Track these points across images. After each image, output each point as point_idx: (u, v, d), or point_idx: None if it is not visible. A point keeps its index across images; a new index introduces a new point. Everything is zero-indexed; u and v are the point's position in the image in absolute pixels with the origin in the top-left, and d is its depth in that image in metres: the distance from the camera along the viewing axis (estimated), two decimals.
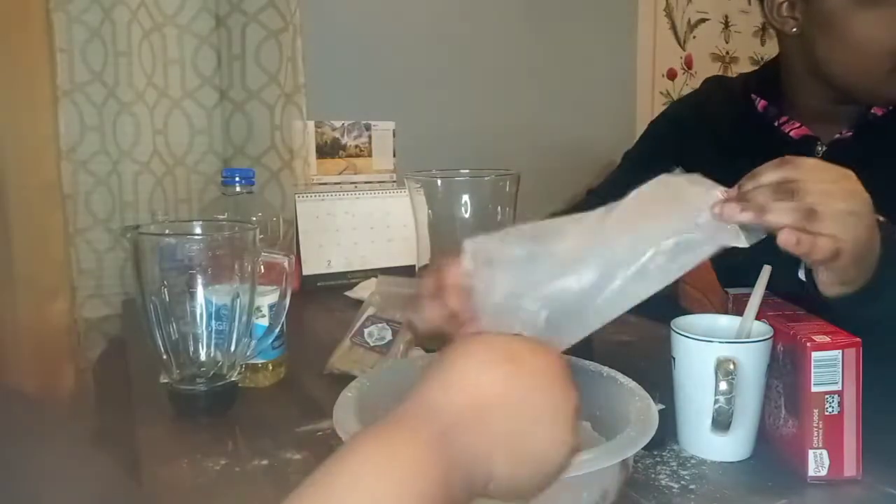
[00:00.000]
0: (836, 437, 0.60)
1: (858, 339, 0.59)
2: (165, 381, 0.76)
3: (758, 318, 0.67)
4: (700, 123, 1.01)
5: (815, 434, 0.60)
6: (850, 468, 0.60)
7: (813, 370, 0.59)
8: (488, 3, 1.72)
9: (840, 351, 0.59)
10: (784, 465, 0.63)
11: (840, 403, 0.59)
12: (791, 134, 0.88)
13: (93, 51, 1.26)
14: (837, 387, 0.59)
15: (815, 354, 0.59)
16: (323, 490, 0.32)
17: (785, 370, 0.63)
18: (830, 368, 0.59)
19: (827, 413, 0.59)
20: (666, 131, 1.13)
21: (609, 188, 1.15)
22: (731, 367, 0.61)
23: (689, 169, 0.93)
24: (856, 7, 0.75)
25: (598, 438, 0.60)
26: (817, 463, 0.60)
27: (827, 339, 0.59)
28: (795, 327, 0.63)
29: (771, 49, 2.13)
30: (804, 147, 0.86)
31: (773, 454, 0.65)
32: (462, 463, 0.34)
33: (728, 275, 0.88)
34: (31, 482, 0.68)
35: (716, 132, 0.97)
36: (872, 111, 0.84)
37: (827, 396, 0.59)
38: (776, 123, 0.90)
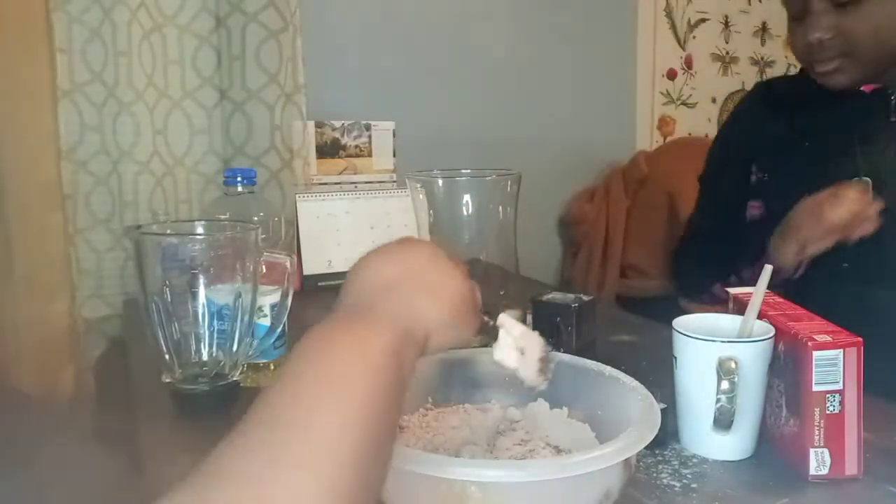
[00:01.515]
0: (837, 436, 0.60)
1: (860, 339, 0.59)
2: (167, 380, 0.76)
3: (759, 317, 0.67)
4: (767, 112, 1.08)
5: (817, 433, 0.60)
6: (851, 467, 0.60)
7: (814, 369, 0.59)
8: (488, 3, 1.72)
9: (841, 350, 0.59)
10: (786, 465, 0.63)
11: (841, 402, 0.59)
12: (863, 89, 0.97)
13: (93, 51, 1.26)
14: (838, 386, 0.59)
15: (816, 354, 0.59)
16: (295, 369, 0.39)
17: (786, 369, 0.63)
18: (831, 368, 0.59)
19: (828, 412, 0.59)
20: (732, 138, 1.17)
21: (710, 213, 1.19)
22: (733, 366, 0.61)
23: (768, 155, 1.02)
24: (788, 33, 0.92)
25: (598, 439, 0.60)
26: (818, 462, 0.60)
27: (828, 338, 0.60)
28: (796, 326, 0.63)
29: (771, 49, 2.13)
30: (877, 99, 0.96)
31: (775, 453, 0.65)
32: (401, 323, 0.44)
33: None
34: (33, 482, 0.68)
35: (786, 112, 1.05)
36: None
37: (828, 396, 0.59)
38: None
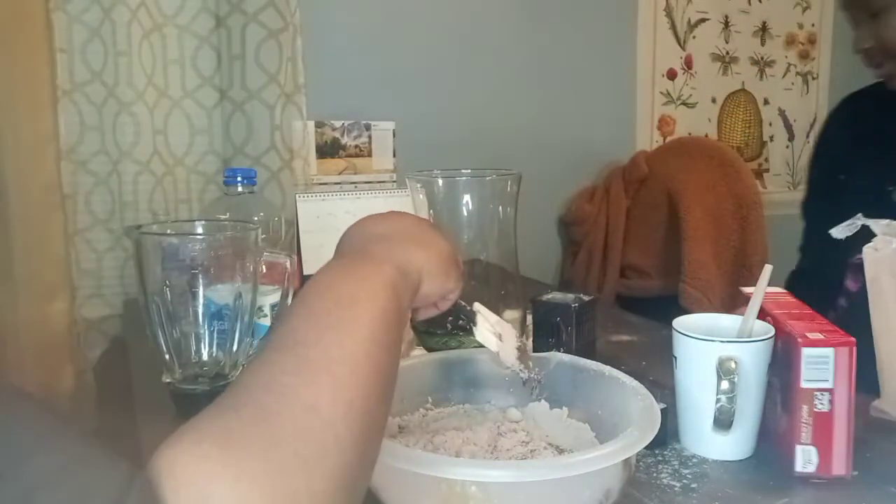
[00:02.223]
0: (825, 434, 0.59)
1: (853, 339, 0.59)
2: (167, 380, 0.76)
3: (762, 316, 0.67)
4: (854, 127, 1.12)
5: (804, 430, 0.59)
6: (838, 467, 0.60)
7: (803, 366, 0.59)
8: (488, 3, 1.72)
9: (832, 349, 0.59)
10: (777, 461, 0.63)
11: (831, 401, 0.59)
12: None
13: (93, 51, 1.26)
14: (828, 384, 0.59)
15: (805, 350, 0.59)
16: (305, 300, 0.42)
17: (782, 366, 0.63)
18: (821, 366, 0.59)
19: (816, 409, 0.59)
20: (826, 158, 1.19)
21: (810, 250, 1.20)
22: (733, 366, 0.61)
23: (864, 167, 1.03)
24: None
25: (598, 439, 0.60)
26: (805, 459, 0.60)
27: (820, 336, 0.60)
28: (794, 325, 0.63)
29: (771, 49, 2.13)
30: None
31: (771, 451, 0.65)
32: (397, 264, 0.48)
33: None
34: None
35: (874, 122, 1.07)
36: None
37: (817, 393, 0.59)
38: None
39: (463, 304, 0.60)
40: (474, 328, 0.61)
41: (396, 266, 0.47)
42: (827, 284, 1.05)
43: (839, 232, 0.70)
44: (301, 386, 0.36)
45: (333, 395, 0.36)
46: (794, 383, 0.60)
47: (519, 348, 0.61)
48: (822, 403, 0.59)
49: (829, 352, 0.59)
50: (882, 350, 0.70)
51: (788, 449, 0.61)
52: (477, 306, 0.62)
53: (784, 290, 0.73)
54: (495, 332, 0.61)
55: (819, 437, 0.59)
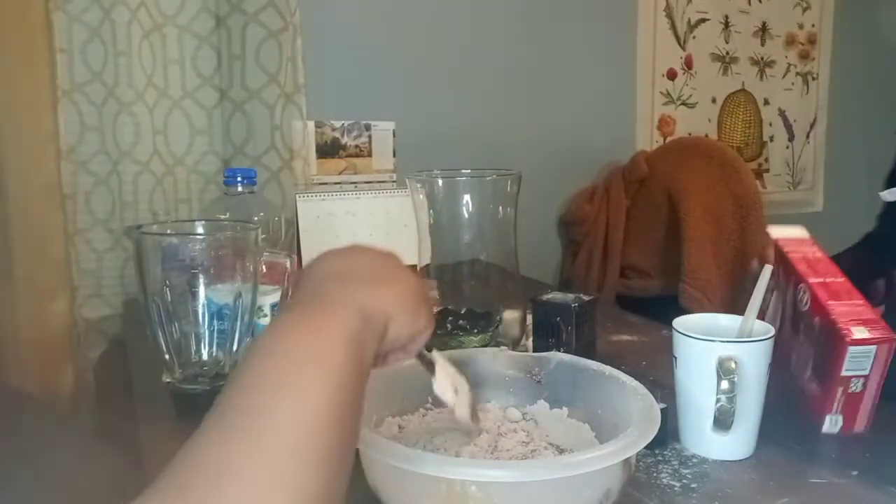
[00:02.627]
0: (853, 407, 0.65)
1: (894, 336, 0.62)
2: (167, 380, 0.76)
3: (793, 276, 0.69)
4: None
5: (836, 405, 0.64)
6: (859, 426, 0.65)
7: (846, 360, 0.62)
8: (488, 3, 1.72)
9: (875, 346, 0.62)
10: (796, 415, 0.67)
11: (864, 384, 0.63)
12: None
13: (93, 51, 1.26)
14: (865, 372, 0.63)
15: (851, 349, 0.62)
16: (258, 360, 0.38)
17: (818, 340, 0.66)
18: (863, 358, 0.62)
19: (850, 391, 0.64)
20: None
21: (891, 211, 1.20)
22: (733, 366, 0.61)
23: None
24: None
25: (598, 439, 0.60)
26: (831, 424, 0.66)
27: (866, 332, 0.62)
28: (836, 309, 0.65)
29: (771, 49, 2.13)
30: None
31: (788, 401, 0.69)
32: (359, 308, 0.43)
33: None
34: (32, 482, 0.68)
35: None
36: None
37: (853, 379, 0.63)
38: None
39: (423, 350, 0.55)
40: (433, 378, 0.57)
41: (358, 310, 0.42)
42: (891, 252, 1.08)
43: (890, 195, 0.74)
44: (249, 468, 0.33)
45: (286, 477, 0.33)
46: (835, 369, 0.63)
47: (472, 404, 0.59)
48: (856, 386, 0.63)
49: (872, 349, 0.62)
50: None
51: (817, 413, 0.65)
52: (436, 355, 0.58)
53: (809, 239, 0.77)
54: (452, 384, 0.57)
55: (848, 408, 0.65)
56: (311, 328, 0.40)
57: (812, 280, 0.68)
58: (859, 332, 0.62)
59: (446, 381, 0.57)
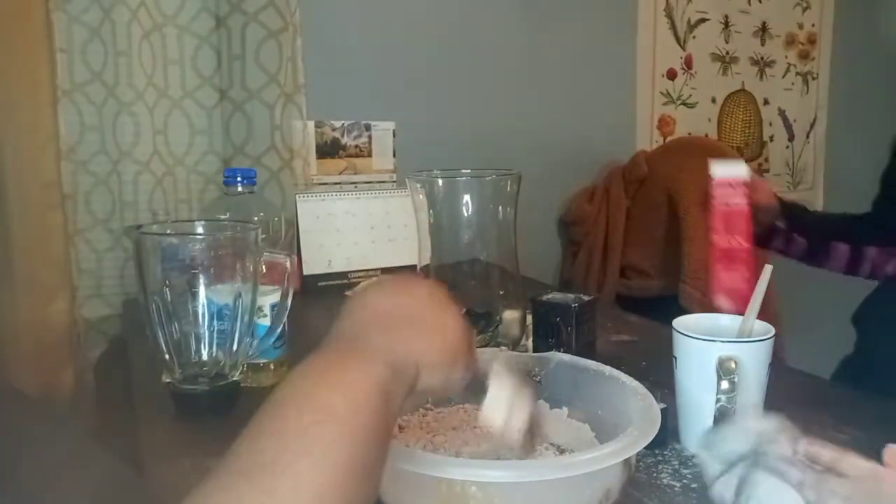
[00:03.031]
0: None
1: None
2: (167, 380, 0.76)
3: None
4: None
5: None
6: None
7: None
8: (488, 3, 1.72)
9: None
10: None
11: None
12: None
13: (93, 51, 1.26)
14: None
15: None
16: (281, 411, 0.38)
17: None
18: None
19: None
20: None
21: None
22: (733, 366, 0.61)
23: None
24: None
25: (598, 439, 0.60)
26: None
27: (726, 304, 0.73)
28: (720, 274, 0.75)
29: (771, 49, 2.13)
30: None
31: None
32: (392, 359, 0.43)
33: None
34: (33, 483, 0.68)
35: None
36: None
37: None
38: None
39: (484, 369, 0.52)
40: (483, 404, 0.52)
41: (391, 363, 0.42)
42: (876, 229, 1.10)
43: None
44: None
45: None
46: None
47: (530, 423, 0.53)
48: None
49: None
50: None
51: None
52: (495, 371, 0.53)
53: (744, 181, 0.85)
54: (508, 405, 0.52)
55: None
56: (343, 381, 0.40)
57: (718, 238, 0.75)
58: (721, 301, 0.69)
59: (498, 406, 0.52)
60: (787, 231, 1.06)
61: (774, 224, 1.04)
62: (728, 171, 0.83)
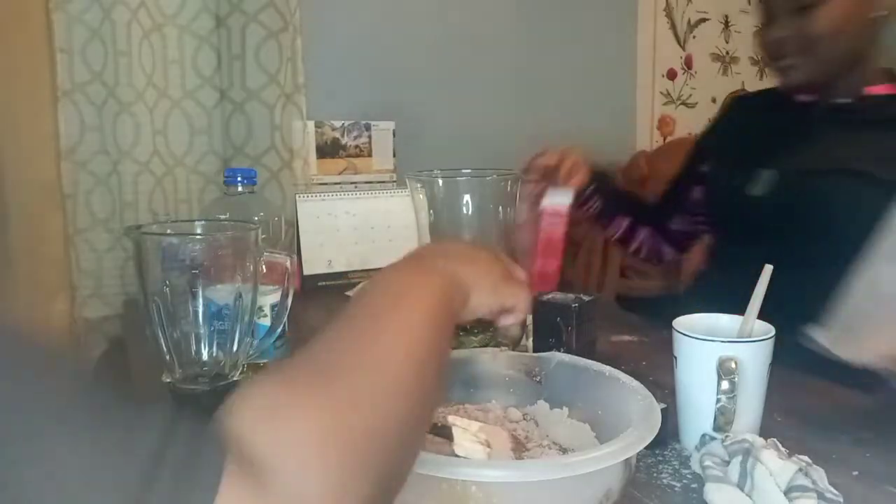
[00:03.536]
0: None
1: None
2: (167, 380, 0.76)
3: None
4: (734, 118, 1.22)
5: None
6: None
7: None
8: (488, 3, 1.72)
9: None
10: None
11: None
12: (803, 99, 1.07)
13: (93, 51, 1.26)
14: None
15: None
16: (372, 304, 0.46)
17: None
18: None
19: None
20: (699, 148, 1.27)
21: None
22: (733, 366, 0.61)
23: (726, 163, 1.16)
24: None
25: (598, 439, 0.60)
26: None
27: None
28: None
29: None
30: (814, 108, 1.06)
31: None
32: (450, 274, 0.53)
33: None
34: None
35: (749, 119, 1.17)
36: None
37: None
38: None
39: (435, 422, 0.57)
40: (454, 445, 0.56)
41: (449, 274, 0.53)
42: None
43: None
44: (365, 343, 0.40)
45: (395, 354, 0.41)
46: None
47: (513, 449, 0.58)
48: None
49: None
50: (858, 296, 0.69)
51: None
52: (452, 419, 0.59)
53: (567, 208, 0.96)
54: (480, 441, 0.57)
55: None
56: (416, 280, 0.50)
57: (538, 260, 0.85)
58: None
59: (470, 442, 0.56)
60: (591, 194, 1.17)
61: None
62: (555, 201, 0.95)
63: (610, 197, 1.19)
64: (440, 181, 0.87)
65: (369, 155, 1.56)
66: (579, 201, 1.12)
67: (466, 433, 0.57)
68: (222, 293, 0.74)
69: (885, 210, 0.70)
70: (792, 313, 0.67)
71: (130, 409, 0.32)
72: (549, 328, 0.84)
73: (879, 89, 1.03)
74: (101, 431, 0.30)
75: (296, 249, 1.32)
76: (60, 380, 0.32)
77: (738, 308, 0.68)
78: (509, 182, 0.86)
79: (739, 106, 1.25)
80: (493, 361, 0.68)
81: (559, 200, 0.96)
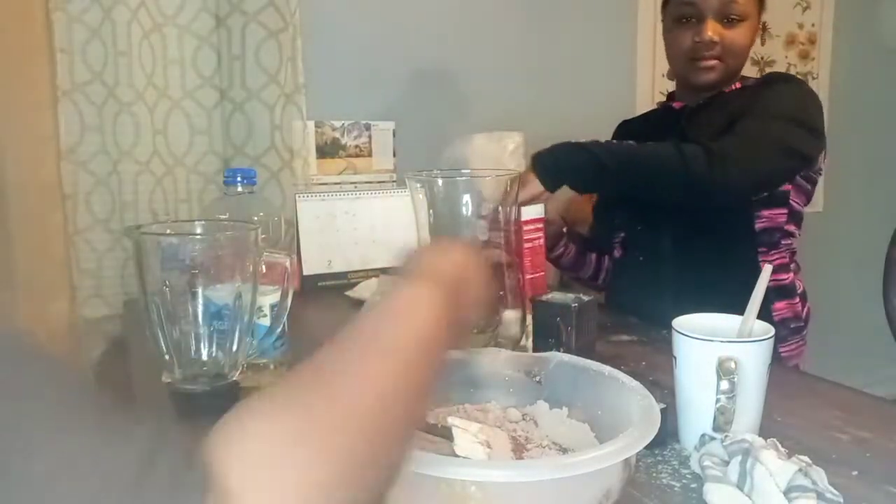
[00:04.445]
0: None
1: None
2: (167, 380, 0.76)
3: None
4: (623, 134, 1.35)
5: None
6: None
7: None
8: (488, 3, 1.72)
9: None
10: None
11: None
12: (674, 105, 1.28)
13: (93, 51, 1.26)
14: None
15: None
16: (374, 318, 0.47)
17: None
18: None
19: None
20: None
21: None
22: (733, 366, 0.61)
23: None
24: (665, 32, 1.27)
25: (598, 439, 0.60)
26: None
27: None
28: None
29: (770, 49, 2.13)
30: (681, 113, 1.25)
31: None
32: (456, 298, 0.51)
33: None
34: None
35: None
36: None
37: None
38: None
39: (435, 423, 0.58)
40: (454, 445, 0.56)
41: (445, 288, 0.51)
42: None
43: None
44: (357, 363, 0.41)
45: (386, 378, 0.41)
46: None
47: (513, 449, 0.58)
48: None
49: None
50: None
51: None
52: (452, 419, 0.59)
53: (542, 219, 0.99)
54: (481, 441, 0.57)
55: None
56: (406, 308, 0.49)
57: (527, 275, 0.90)
58: None
59: (470, 443, 0.56)
60: (567, 240, 1.29)
61: (560, 232, 1.26)
62: (531, 213, 0.99)
63: (578, 240, 1.31)
64: (440, 181, 0.87)
65: (369, 155, 1.56)
66: (553, 254, 1.25)
67: (466, 433, 0.57)
68: (222, 293, 0.74)
69: None
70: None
71: (119, 428, 0.32)
72: (549, 328, 0.84)
73: (732, 87, 1.23)
74: (88, 445, 0.30)
75: (295, 249, 1.32)
76: (54, 387, 0.32)
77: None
78: (509, 182, 0.86)
79: (624, 129, 1.38)
80: (492, 362, 0.68)
81: (533, 212, 1.00)
